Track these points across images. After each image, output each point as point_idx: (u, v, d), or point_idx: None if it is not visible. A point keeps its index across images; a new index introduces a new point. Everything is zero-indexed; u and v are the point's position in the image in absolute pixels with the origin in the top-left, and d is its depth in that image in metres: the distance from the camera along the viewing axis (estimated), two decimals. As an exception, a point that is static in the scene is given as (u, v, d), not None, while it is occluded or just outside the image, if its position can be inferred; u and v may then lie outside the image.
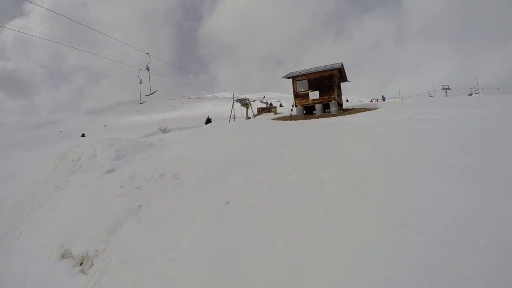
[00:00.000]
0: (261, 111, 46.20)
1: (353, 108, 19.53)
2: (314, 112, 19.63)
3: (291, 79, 20.08)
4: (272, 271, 3.17)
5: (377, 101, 50.80)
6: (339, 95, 20.96)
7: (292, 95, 20.36)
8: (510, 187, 3.71)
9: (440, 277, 2.47)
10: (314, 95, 19.00)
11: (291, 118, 18.80)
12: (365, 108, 18.22)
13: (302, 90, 19.52)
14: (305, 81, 19.46)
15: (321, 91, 18.83)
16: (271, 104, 59.50)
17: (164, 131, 43.38)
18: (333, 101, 18.56)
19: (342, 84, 23.23)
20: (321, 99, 18.87)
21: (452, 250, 2.73)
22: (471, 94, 52.80)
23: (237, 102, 40.99)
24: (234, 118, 39.39)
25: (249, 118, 36.14)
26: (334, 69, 18.82)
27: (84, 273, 5.29)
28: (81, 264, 5.54)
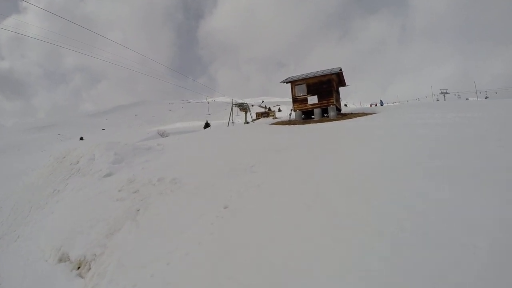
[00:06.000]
0: (259, 115, 46.27)
1: (351, 113, 19.56)
2: (312, 116, 19.64)
3: (289, 84, 20.13)
4: (272, 276, 3.16)
5: (376, 105, 50.98)
6: (338, 99, 21.01)
7: (291, 100, 20.38)
8: (510, 189, 3.73)
9: (440, 280, 2.47)
10: (312, 99, 19.03)
11: (289, 122, 18.79)
12: (363, 113, 18.25)
13: (301, 94, 19.54)
14: (304, 86, 19.48)
15: (320, 95, 18.86)
16: (269, 109, 59.60)
17: (162, 135, 43.34)
18: (331, 105, 18.60)
19: (341, 89, 23.30)
20: (320, 104, 18.90)
21: (452, 254, 2.74)
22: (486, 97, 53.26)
23: (236, 106, 41.06)
24: (233, 122, 39.43)
25: (247, 122, 36.18)
26: (332, 74, 18.86)
27: (82, 277, 5.28)
28: (79, 268, 5.53)
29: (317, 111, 19.07)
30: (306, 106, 19.42)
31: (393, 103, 64.23)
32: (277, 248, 3.63)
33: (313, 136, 11.16)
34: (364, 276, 2.78)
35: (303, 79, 19.57)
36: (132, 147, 12.54)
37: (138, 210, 6.34)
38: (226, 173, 7.29)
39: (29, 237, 7.64)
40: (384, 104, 50.13)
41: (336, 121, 15.82)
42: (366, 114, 17.50)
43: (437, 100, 51.09)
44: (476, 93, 56.26)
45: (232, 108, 41.17)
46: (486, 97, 54.01)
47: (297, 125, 16.55)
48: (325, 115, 19.42)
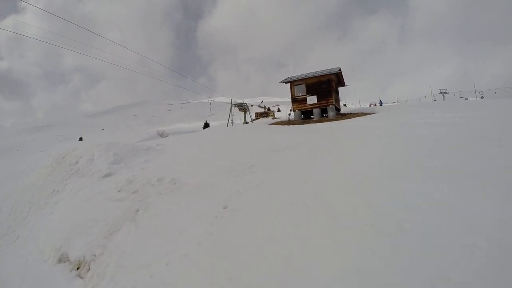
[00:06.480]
0: (259, 115, 46.36)
1: (350, 113, 19.58)
2: (312, 116, 19.67)
3: (289, 84, 20.14)
4: (272, 277, 3.16)
5: (375, 105, 51.06)
6: (337, 99, 21.03)
7: (290, 100, 20.40)
8: (509, 189, 3.73)
9: (440, 280, 2.47)
10: (312, 99, 19.05)
11: (289, 122, 18.80)
12: (362, 113, 18.26)
13: (300, 94, 19.56)
14: (303, 86, 19.49)
15: (319, 95, 18.89)
16: (269, 109, 59.67)
17: (162, 135, 43.34)
18: (331, 105, 18.62)
19: (341, 89, 23.34)
20: (319, 104, 18.92)
21: (452, 254, 2.74)
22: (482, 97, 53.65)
23: (235, 107, 41.09)
24: (232, 122, 39.44)
25: (247, 122, 36.19)
26: (332, 74, 18.88)
27: (81, 277, 5.27)
28: (78, 268, 5.52)
29: (316, 111, 19.10)
30: (305, 106, 19.45)
31: (393, 103, 64.25)
32: (276, 248, 3.63)
33: (312, 136, 11.16)
34: (363, 276, 2.78)
35: (302, 79, 19.59)
36: (132, 147, 12.54)
37: (138, 211, 6.33)
38: (225, 173, 7.29)
39: (28, 238, 7.63)
40: (384, 104, 50.18)
41: (335, 121, 15.83)
42: (365, 114, 17.51)
43: (434, 100, 51.21)
44: (475, 92, 56.36)
45: (231, 109, 41.20)
46: (482, 97, 54.19)
47: (296, 125, 16.57)
48: (324, 115, 19.45)
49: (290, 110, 20.77)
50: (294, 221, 4.16)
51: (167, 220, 5.54)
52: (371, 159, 6.33)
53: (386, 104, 48.97)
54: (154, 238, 5.05)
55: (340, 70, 19.82)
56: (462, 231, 3.04)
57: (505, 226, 2.97)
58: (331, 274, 2.92)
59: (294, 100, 19.91)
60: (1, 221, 9.56)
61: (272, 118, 34.92)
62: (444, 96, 54.09)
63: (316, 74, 19.21)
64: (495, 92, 56.44)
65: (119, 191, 7.77)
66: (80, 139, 60.64)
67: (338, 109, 20.92)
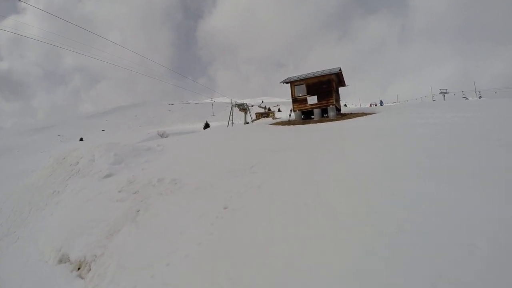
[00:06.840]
0: (259, 116, 46.38)
1: (351, 113, 19.57)
2: (312, 117, 19.66)
3: (289, 84, 20.14)
4: (272, 277, 3.16)
5: (375, 105, 51.00)
6: (337, 99, 21.03)
7: (291, 100, 20.40)
8: (509, 189, 3.73)
9: (440, 280, 2.48)
10: (312, 100, 19.05)
11: (289, 123, 18.79)
12: (363, 113, 18.25)
13: (301, 95, 19.55)
14: (303, 86, 19.49)
15: (320, 96, 18.88)
16: (269, 109, 59.64)
17: (162, 136, 43.32)
18: (331, 106, 18.62)
19: (341, 89, 23.35)
20: (320, 104, 18.92)
21: (452, 253, 2.74)
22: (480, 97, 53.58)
23: (235, 107, 41.15)
24: (233, 123, 39.47)
25: (247, 123, 36.21)
26: (332, 74, 18.88)
27: (82, 278, 5.27)
28: (79, 269, 5.52)
29: (316, 111, 19.09)
30: (305, 106, 19.45)
31: (393, 103, 64.22)
32: (277, 248, 3.63)
33: (313, 136, 11.15)
34: (364, 276, 2.78)
35: (302, 80, 19.59)
36: (132, 148, 12.54)
37: (138, 211, 6.33)
38: (226, 173, 7.28)
39: (28, 239, 7.64)
40: (384, 104, 50.14)
41: (336, 121, 15.82)
42: (366, 114, 17.51)
43: (433, 101, 51.17)
44: (475, 92, 56.35)
45: (232, 109, 41.26)
46: (480, 97, 54.14)
47: (297, 125, 16.56)
48: (324, 115, 19.44)
49: (291, 111, 20.78)
50: (294, 221, 4.16)
51: (168, 221, 5.55)
52: (372, 159, 6.33)
53: (387, 104, 48.95)
54: (155, 238, 5.06)
55: (340, 70, 19.82)
56: (462, 231, 3.04)
57: (505, 226, 2.97)
58: (332, 275, 2.93)
59: (295, 100, 19.92)
60: (1, 222, 9.57)
61: (273, 118, 34.93)
62: (444, 96, 54.10)
63: (317, 74, 19.21)
64: (496, 92, 56.31)
65: (119, 192, 7.77)
66: (81, 139, 60.63)
67: (338, 109, 20.91)
